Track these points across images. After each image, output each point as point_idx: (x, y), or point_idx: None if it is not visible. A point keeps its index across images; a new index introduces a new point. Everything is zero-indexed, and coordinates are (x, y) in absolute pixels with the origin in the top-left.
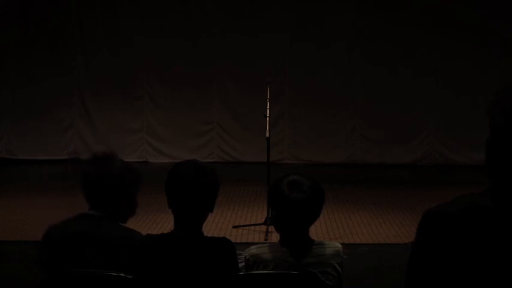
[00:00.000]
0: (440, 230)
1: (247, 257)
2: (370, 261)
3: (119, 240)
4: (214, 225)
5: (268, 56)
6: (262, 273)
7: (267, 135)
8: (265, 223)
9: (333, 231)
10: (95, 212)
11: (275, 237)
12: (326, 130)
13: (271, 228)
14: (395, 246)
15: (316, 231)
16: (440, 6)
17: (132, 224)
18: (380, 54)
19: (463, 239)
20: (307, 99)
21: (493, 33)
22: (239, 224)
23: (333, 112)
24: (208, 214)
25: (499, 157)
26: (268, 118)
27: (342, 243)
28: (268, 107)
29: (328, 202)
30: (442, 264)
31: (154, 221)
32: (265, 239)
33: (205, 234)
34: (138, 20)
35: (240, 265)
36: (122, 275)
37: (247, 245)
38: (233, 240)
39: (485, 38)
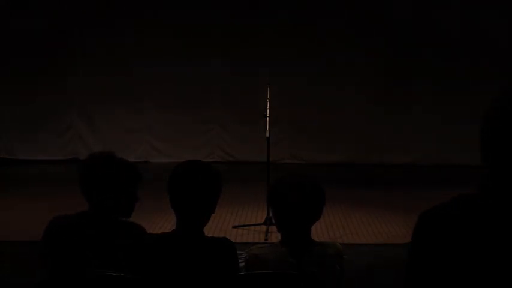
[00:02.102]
0: (437, 231)
1: (247, 257)
2: (370, 261)
3: (118, 239)
4: (214, 225)
5: (269, 55)
6: (262, 273)
7: (267, 135)
8: (265, 223)
9: (333, 231)
10: (95, 211)
11: (275, 237)
12: (326, 130)
13: (271, 228)
14: (395, 246)
15: (316, 231)
16: None
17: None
18: (380, 54)
19: (461, 240)
20: (307, 99)
21: (494, 41)
22: (239, 224)
23: (333, 112)
24: (210, 215)
25: (495, 152)
26: (268, 118)
27: (342, 243)
28: (268, 107)
29: (328, 202)
30: (440, 266)
31: (154, 221)
32: (265, 239)
33: (205, 234)
34: (137, 17)
35: (240, 265)
36: (122, 275)
37: (247, 245)
38: (233, 240)
39: (486, 39)
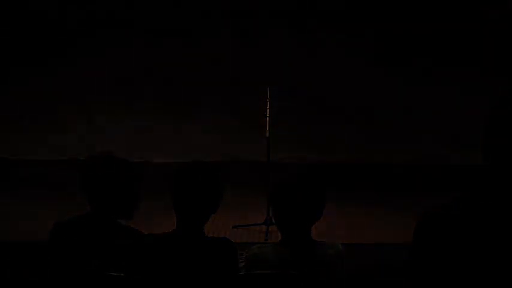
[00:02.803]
0: (438, 231)
1: (247, 257)
2: (370, 261)
3: (119, 240)
4: (214, 225)
5: (269, 55)
6: (262, 273)
7: (267, 135)
8: (265, 223)
9: (333, 231)
10: (96, 212)
11: (275, 237)
12: (326, 130)
13: (271, 228)
14: (395, 246)
15: (317, 231)
16: None
17: (131, 224)
18: (380, 53)
19: (461, 240)
20: (307, 98)
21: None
22: (239, 224)
23: (333, 112)
24: (210, 215)
25: (496, 152)
26: (268, 118)
27: (341, 243)
28: (268, 107)
29: (328, 202)
30: (440, 266)
31: (154, 221)
32: (265, 239)
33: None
34: (137, 18)
35: (240, 265)
36: (122, 275)
37: (247, 245)
38: (233, 240)
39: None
